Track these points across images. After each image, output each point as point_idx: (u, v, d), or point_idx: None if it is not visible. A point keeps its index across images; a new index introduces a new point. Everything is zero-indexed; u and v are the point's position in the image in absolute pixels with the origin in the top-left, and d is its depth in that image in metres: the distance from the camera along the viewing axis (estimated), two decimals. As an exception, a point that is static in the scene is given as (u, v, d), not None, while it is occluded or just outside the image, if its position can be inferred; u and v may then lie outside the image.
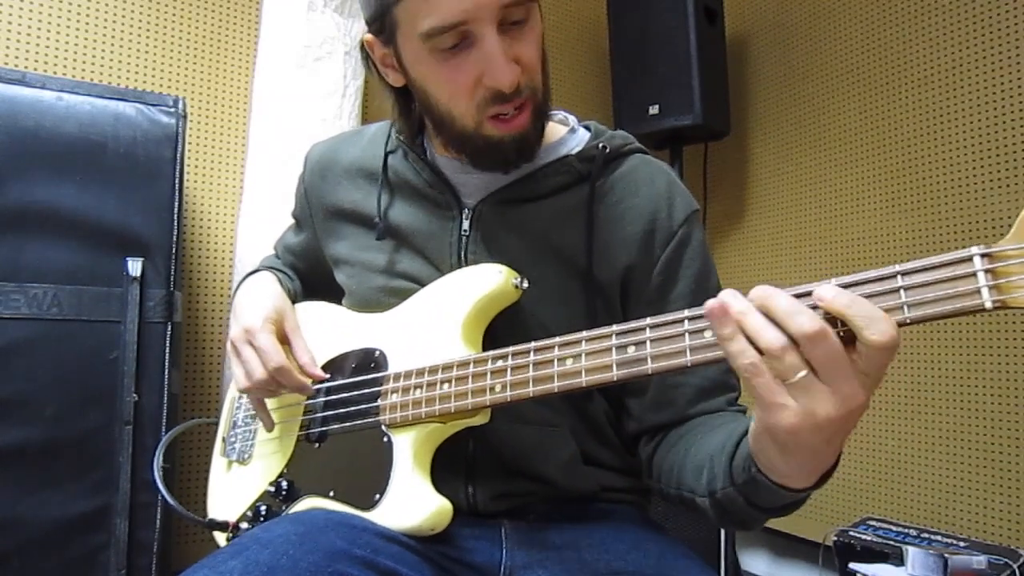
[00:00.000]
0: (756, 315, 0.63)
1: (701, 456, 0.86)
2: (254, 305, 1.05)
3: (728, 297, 0.64)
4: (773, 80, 2.77)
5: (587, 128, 1.08)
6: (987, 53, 2.12)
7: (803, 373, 0.60)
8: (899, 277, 0.61)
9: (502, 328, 0.94)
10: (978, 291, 0.57)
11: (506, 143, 0.93)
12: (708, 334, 0.69)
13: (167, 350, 1.72)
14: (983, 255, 0.58)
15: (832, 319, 0.61)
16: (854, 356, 0.60)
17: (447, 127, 0.95)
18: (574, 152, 1.02)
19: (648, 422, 1.00)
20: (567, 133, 1.06)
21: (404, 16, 0.87)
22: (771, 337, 0.61)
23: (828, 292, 0.61)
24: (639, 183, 1.02)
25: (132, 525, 1.63)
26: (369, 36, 0.95)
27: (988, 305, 0.57)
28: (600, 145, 1.01)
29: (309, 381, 1.01)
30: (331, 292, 1.14)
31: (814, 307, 0.61)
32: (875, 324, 0.58)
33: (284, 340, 1.04)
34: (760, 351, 0.62)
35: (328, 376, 1.03)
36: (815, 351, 0.60)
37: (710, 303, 0.65)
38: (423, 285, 1.00)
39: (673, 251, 1.00)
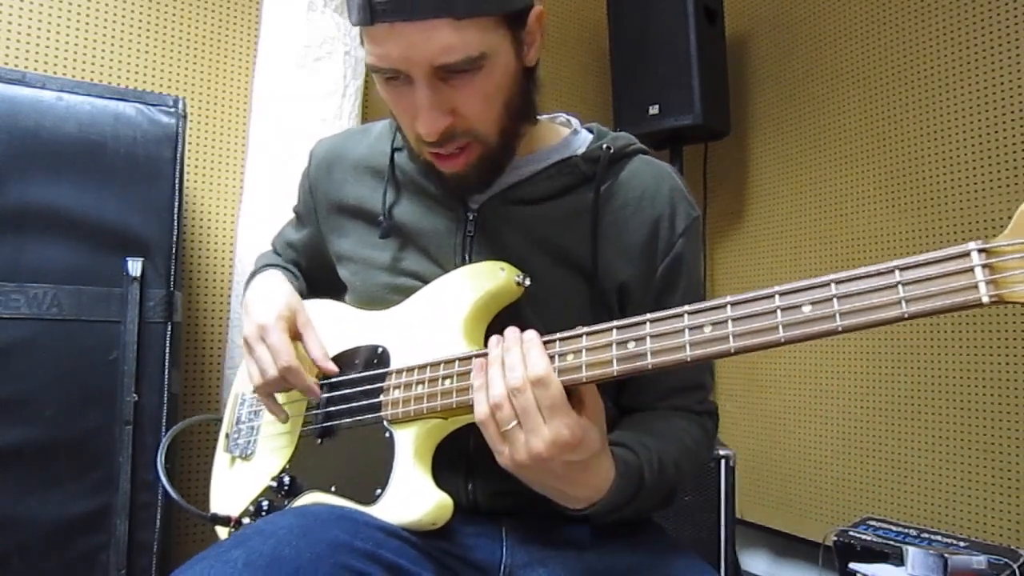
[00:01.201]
0: (495, 368, 0.79)
1: None
2: (267, 302, 1.06)
3: (492, 345, 0.82)
4: (773, 80, 2.78)
5: (589, 130, 1.09)
6: (987, 53, 2.12)
7: (513, 423, 0.76)
8: (897, 272, 0.61)
9: (504, 326, 0.94)
10: (975, 286, 0.58)
11: (445, 175, 0.95)
12: (708, 329, 0.69)
13: (167, 350, 1.72)
14: (980, 250, 0.58)
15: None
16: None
17: (406, 138, 0.98)
18: (578, 153, 1.02)
19: (627, 404, 1.05)
20: (570, 134, 1.06)
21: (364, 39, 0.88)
22: (493, 393, 0.78)
23: (492, 345, 0.82)
24: (644, 188, 1.02)
25: (132, 525, 1.63)
26: None
27: (985, 300, 0.57)
28: (604, 146, 1.01)
29: (316, 386, 1.01)
30: (333, 288, 1.15)
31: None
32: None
33: (296, 336, 1.04)
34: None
35: (338, 371, 1.03)
36: (518, 401, 0.76)
37: (478, 360, 0.83)
38: (427, 283, 1.00)
39: (672, 262, 1.01)
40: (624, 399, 1.04)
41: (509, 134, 0.94)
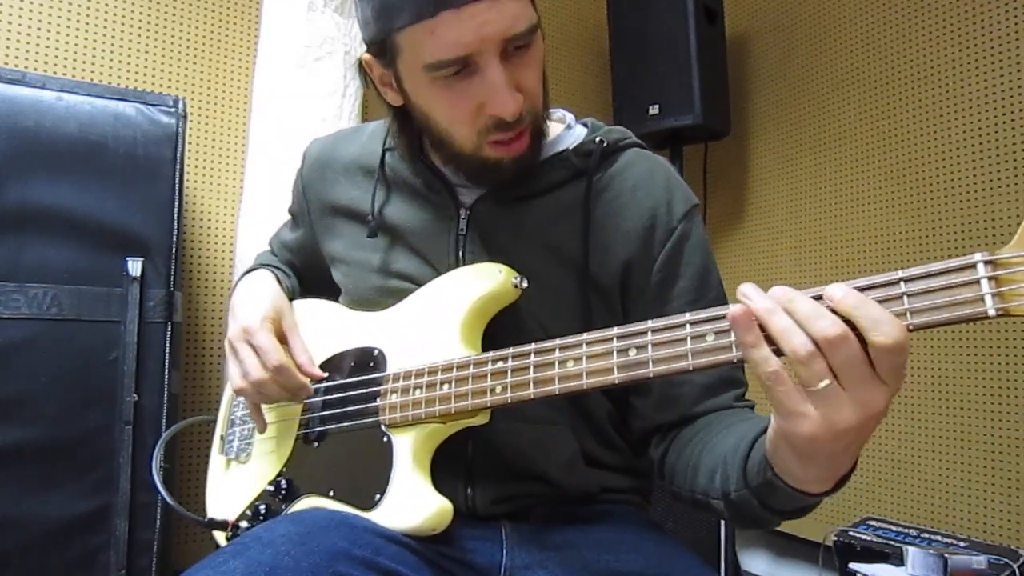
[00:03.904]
0: (782, 316, 0.62)
1: (715, 457, 0.85)
2: (252, 303, 1.05)
3: (753, 296, 0.64)
4: (773, 80, 2.77)
5: (584, 125, 1.08)
6: (987, 53, 2.12)
7: (827, 382, 0.60)
8: (902, 283, 0.61)
9: (499, 326, 0.94)
10: (981, 298, 0.57)
11: (505, 164, 0.94)
12: (710, 338, 0.69)
13: (167, 350, 1.72)
14: (986, 262, 0.57)
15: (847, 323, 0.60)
16: (872, 361, 0.60)
17: (446, 148, 0.95)
18: (571, 148, 1.02)
19: (655, 421, 0.99)
20: (564, 130, 1.06)
21: (406, 44, 0.86)
22: (798, 343, 0.60)
23: (838, 291, 0.61)
24: (637, 178, 1.02)
25: (132, 525, 1.63)
26: (368, 56, 0.94)
27: (991, 312, 0.56)
28: (597, 139, 1.01)
29: (308, 383, 1.00)
30: (328, 289, 1.14)
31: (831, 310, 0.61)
32: (881, 326, 0.58)
33: (282, 339, 1.03)
34: (782, 355, 0.62)
35: (326, 375, 1.03)
36: (837, 357, 0.60)
37: (733, 309, 0.64)
38: (419, 285, 1.00)
39: (673, 247, 0.99)
40: (656, 414, 0.99)
41: (547, 110, 0.97)
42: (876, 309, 0.59)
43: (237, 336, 1.01)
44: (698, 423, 0.95)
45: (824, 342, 0.59)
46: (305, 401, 1.04)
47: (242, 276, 1.19)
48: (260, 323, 1.00)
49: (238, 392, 1.01)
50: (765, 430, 0.72)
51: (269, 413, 1.08)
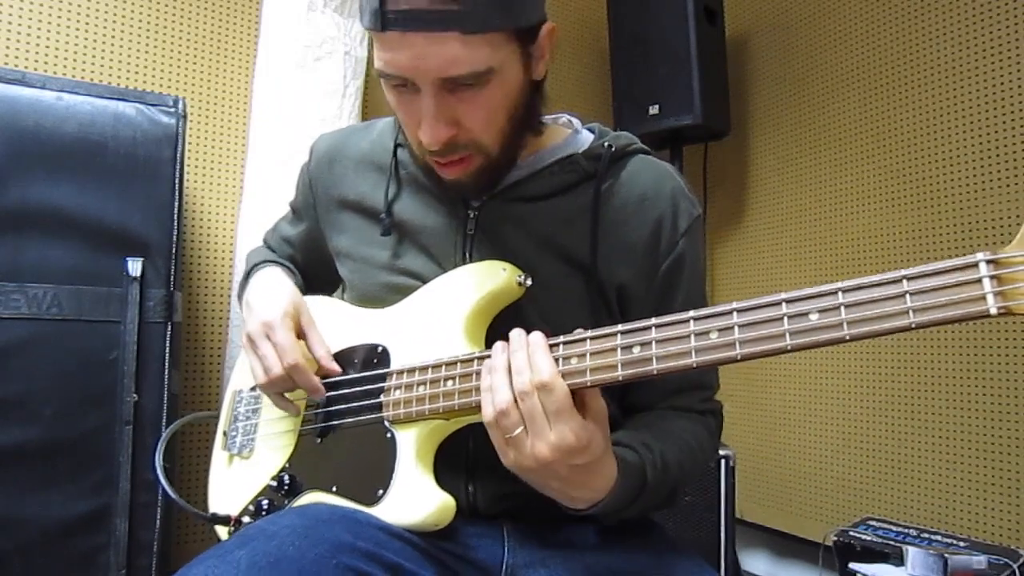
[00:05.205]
0: (501, 374, 0.79)
1: None
2: (271, 299, 1.05)
3: (496, 353, 0.81)
4: (773, 80, 2.77)
5: (591, 130, 1.09)
6: (987, 53, 2.12)
7: (519, 431, 0.76)
8: (905, 282, 0.61)
9: (504, 324, 0.94)
10: (983, 297, 0.58)
11: (448, 182, 0.96)
12: (714, 336, 0.69)
13: (167, 350, 1.71)
14: (989, 261, 0.58)
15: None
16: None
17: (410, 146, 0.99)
18: (580, 152, 1.02)
19: (630, 403, 1.04)
20: (572, 134, 1.07)
21: (374, 43, 0.89)
22: (500, 399, 0.77)
23: (500, 347, 0.82)
24: (645, 188, 1.03)
25: (132, 525, 1.63)
26: None
27: (993, 311, 0.57)
28: (606, 144, 1.02)
29: (320, 384, 1.00)
30: (329, 284, 1.14)
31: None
32: (531, 372, 0.77)
33: (300, 334, 1.04)
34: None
35: (341, 371, 1.03)
36: (524, 405, 0.76)
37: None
38: (425, 283, 1.00)
39: (674, 262, 1.01)
40: (626, 399, 1.05)
41: (511, 145, 0.96)
42: (538, 358, 0.77)
43: (257, 331, 1.01)
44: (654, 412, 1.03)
45: (518, 394, 0.76)
46: (309, 397, 1.05)
47: (247, 274, 1.19)
48: (281, 319, 1.00)
49: (261, 388, 1.01)
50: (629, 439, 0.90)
51: (273, 409, 1.08)
